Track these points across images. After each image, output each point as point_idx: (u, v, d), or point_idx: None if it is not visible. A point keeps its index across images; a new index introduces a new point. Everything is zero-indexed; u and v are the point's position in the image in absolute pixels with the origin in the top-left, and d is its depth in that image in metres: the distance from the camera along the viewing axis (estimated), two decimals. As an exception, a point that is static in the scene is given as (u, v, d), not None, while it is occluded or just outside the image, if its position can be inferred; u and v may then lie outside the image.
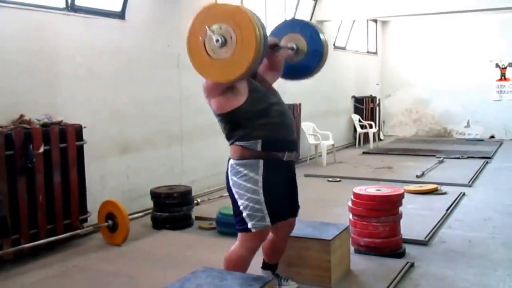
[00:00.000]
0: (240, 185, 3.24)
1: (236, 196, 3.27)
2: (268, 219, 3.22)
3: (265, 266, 3.73)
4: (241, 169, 3.23)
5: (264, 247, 3.60)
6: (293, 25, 3.89)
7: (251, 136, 3.21)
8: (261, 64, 3.13)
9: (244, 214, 3.22)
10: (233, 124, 3.25)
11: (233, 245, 3.39)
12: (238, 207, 3.25)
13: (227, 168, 3.34)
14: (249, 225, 3.21)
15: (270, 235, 3.50)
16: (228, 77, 3.00)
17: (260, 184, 3.20)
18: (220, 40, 2.91)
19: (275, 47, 3.51)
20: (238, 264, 3.30)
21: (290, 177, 3.49)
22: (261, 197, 3.20)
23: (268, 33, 3.65)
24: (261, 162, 3.22)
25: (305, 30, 3.80)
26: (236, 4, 3.03)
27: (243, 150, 3.24)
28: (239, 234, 3.32)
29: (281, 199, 3.35)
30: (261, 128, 3.21)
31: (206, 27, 2.95)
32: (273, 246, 3.61)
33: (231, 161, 3.30)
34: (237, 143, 3.25)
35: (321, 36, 3.76)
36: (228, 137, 3.32)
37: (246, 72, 2.95)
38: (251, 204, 3.20)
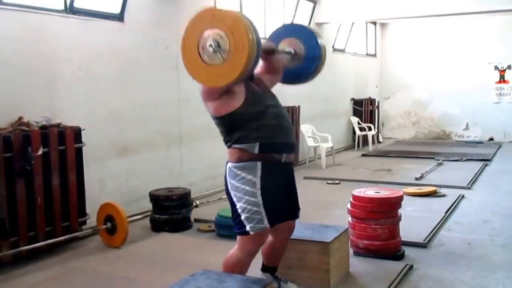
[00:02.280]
0: (238, 188, 3.23)
1: (234, 199, 3.26)
2: (266, 221, 3.20)
3: (264, 269, 3.72)
4: (239, 171, 3.23)
5: (263, 250, 3.59)
6: (291, 30, 3.90)
7: (249, 139, 3.20)
8: (255, 68, 3.13)
9: (243, 217, 3.20)
10: (230, 127, 3.24)
11: (232, 248, 3.38)
12: (237, 210, 3.24)
13: (225, 171, 3.33)
14: (248, 227, 3.20)
15: (270, 237, 3.50)
16: (220, 83, 3.01)
17: (258, 186, 3.19)
18: (213, 45, 2.91)
19: (272, 52, 3.50)
20: (237, 267, 3.29)
21: (289, 179, 3.48)
22: (259, 199, 3.19)
23: (267, 37, 3.66)
24: (259, 164, 3.21)
25: (303, 34, 3.80)
26: (231, 10, 3.02)
27: (240, 153, 3.23)
28: (238, 237, 3.30)
29: (280, 201, 3.34)
30: (258, 130, 3.21)
31: (200, 32, 2.96)
32: (272, 249, 3.60)
33: (229, 164, 3.30)
34: (235, 146, 3.25)
35: (319, 41, 3.77)
36: (226, 140, 3.32)
37: (239, 77, 2.95)
38: (249, 207, 3.19)
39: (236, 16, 2.96)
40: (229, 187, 3.29)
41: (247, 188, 3.20)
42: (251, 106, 3.22)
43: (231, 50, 2.88)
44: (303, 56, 3.74)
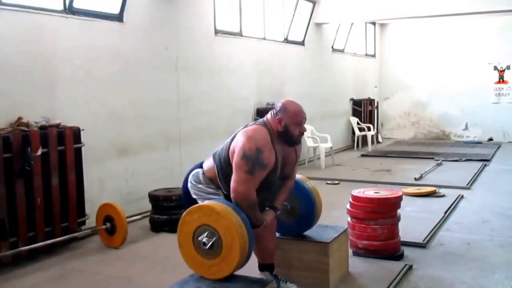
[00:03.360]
0: (200, 189, 3.37)
1: (195, 196, 3.38)
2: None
3: (261, 267, 3.73)
4: (206, 181, 3.36)
5: (254, 248, 3.62)
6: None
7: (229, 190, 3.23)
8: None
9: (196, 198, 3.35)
10: (229, 175, 3.24)
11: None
12: (195, 200, 3.35)
13: (190, 170, 3.46)
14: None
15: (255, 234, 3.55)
16: (214, 276, 3.09)
17: (222, 196, 3.33)
18: (207, 244, 3.02)
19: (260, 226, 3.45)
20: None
21: None
22: (222, 196, 3.32)
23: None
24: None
25: (300, 191, 3.84)
26: (218, 206, 3.09)
27: (216, 181, 3.36)
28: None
29: None
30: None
31: (194, 228, 3.08)
32: (259, 246, 3.61)
33: (200, 170, 3.41)
34: (219, 176, 3.33)
35: (314, 199, 3.85)
36: (217, 170, 3.34)
37: (233, 271, 3.07)
38: (207, 195, 3.32)
39: (224, 214, 3.02)
40: (189, 185, 3.42)
41: (211, 190, 3.35)
42: (263, 184, 3.23)
43: (225, 248, 3.00)
44: (298, 213, 3.86)
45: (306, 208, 3.85)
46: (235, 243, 2.96)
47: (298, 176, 3.81)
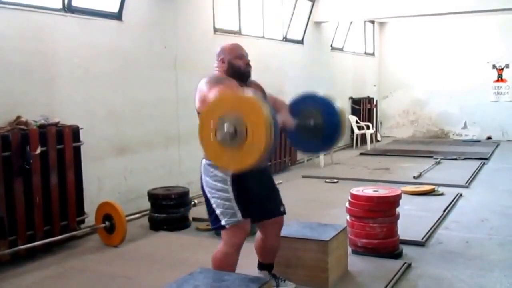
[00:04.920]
0: (211, 184, 3.32)
1: (209, 195, 3.35)
2: (239, 215, 3.27)
3: (260, 266, 3.74)
4: (212, 169, 3.30)
5: (256, 247, 3.67)
6: (316, 101, 3.81)
7: None
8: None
9: (217, 212, 3.30)
10: None
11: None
12: (211, 205, 3.33)
13: (201, 168, 3.40)
14: (223, 222, 3.29)
15: (260, 234, 3.59)
16: (238, 166, 3.01)
17: (229, 183, 3.27)
18: (230, 131, 2.88)
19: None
20: (224, 261, 3.35)
21: (262, 174, 3.51)
22: (230, 194, 3.27)
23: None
24: None
25: (325, 108, 3.72)
26: (247, 95, 3.00)
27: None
28: (222, 232, 3.38)
29: (255, 195, 3.38)
30: None
31: (218, 117, 2.93)
32: (263, 246, 3.64)
33: (204, 161, 3.37)
34: None
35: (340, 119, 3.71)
36: None
37: (257, 161, 2.92)
38: (222, 202, 3.28)
39: (253, 102, 2.91)
40: (204, 183, 3.38)
41: (219, 185, 3.29)
42: None
43: (249, 136, 2.85)
44: (322, 131, 3.69)
45: (330, 120, 3.68)
46: (261, 124, 2.81)
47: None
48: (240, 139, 2.87)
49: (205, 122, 3.03)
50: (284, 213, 3.61)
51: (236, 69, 3.43)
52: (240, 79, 3.42)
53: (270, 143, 2.85)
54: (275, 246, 3.68)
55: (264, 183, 3.53)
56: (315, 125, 3.66)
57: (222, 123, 2.90)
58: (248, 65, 3.48)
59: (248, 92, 3.20)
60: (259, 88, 3.53)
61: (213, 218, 3.35)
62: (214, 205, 3.32)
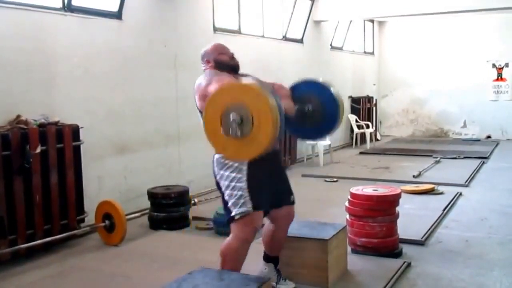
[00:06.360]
0: (225, 176, 3.33)
1: (223, 188, 3.37)
2: (250, 204, 3.27)
3: (267, 259, 3.78)
4: (226, 161, 3.31)
5: (264, 238, 3.70)
6: (315, 87, 3.85)
7: None
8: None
9: (230, 204, 3.32)
10: None
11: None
12: (225, 198, 3.36)
13: (213, 164, 3.41)
14: (233, 212, 3.30)
15: (271, 226, 3.61)
16: (244, 156, 3.03)
17: (245, 172, 3.27)
18: (237, 121, 2.89)
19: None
20: (231, 255, 3.36)
21: (275, 164, 3.57)
22: (244, 183, 3.27)
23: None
24: None
25: (325, 96, 3.75)
26: (253, 85, 3.03)
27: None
28: (231, 226, 3.38)
29: (266, 185, 3.40)
30: None
31: (222, 108, 2.94)
32: (272, 237, 3.66)
33: (216, 156, 3.38)
34: None
35: (340, 108, 3.74)
36: None
37: (267, 148, 2.95)
38: (234, 192, 3.29)
39: (259, 92, 2.92)
40: (218, 177, 3.39)
41: (233, 174, 3.29)
42: None
43: (255, 126, 2.87)
44: (320, 117, 3.73)
45: (328, 106, 3.72)
46: (267, 115, 2.83)
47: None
48: (247, 128, 2.87)
49: (209, 115, 3.02)
50: (294, 202, 3.63)
51: (223, 64, 3.52)
52: (231, 72, 3.47)
53: (278, 127, 2.87)
54: (282, 238, 3.71)
55: (275, 172, 3.54)
56: (313, 110, 3.70)
57: (227, 114, 2.91)
58: (232, 58, 3.58)
59: (248, 81, 3.22)
60: (254, 78, 3.57)
61: (226, 210, 3.37)
62: (226, 197, 3.34)
